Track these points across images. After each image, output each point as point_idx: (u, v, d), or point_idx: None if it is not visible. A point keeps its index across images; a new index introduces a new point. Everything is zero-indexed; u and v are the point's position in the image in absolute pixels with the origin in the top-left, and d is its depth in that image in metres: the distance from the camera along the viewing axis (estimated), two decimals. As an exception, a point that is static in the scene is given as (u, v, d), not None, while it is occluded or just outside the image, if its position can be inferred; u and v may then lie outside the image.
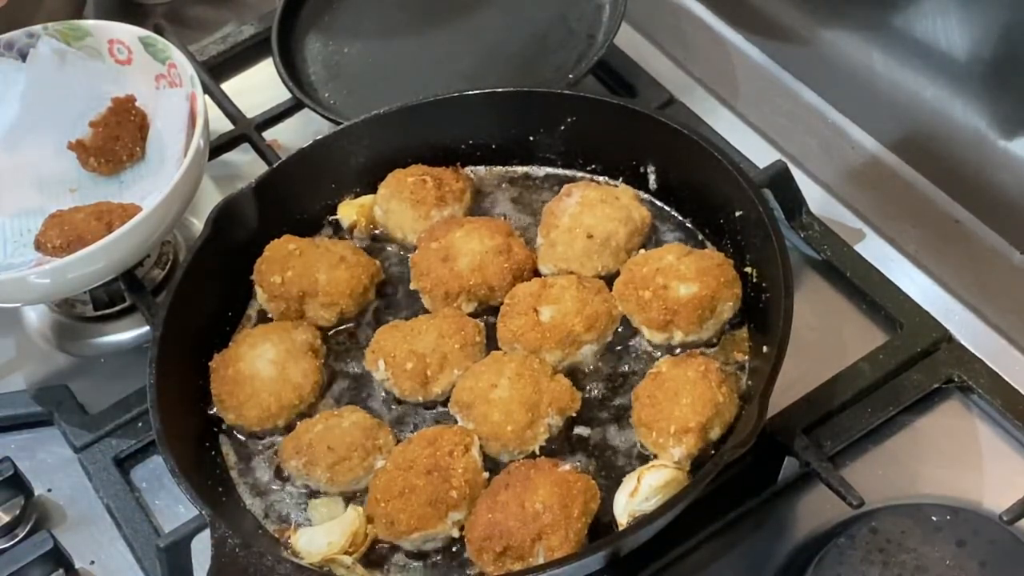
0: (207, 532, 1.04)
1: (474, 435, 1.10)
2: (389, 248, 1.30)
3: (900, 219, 1.31)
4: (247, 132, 1.48)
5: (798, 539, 1.11)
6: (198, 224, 1.38)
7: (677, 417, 1.06)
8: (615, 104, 1.28)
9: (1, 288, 1.22)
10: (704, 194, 1.22)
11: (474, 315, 1.20)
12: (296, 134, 1.49)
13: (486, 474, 1.09)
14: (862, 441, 1.15)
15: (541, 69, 1.44)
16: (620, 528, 1.04)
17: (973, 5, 1.14)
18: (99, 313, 1.38)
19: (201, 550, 1.08)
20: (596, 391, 1.15)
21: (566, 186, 1.26)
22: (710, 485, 1.02)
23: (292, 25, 1.54)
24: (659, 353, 1.16)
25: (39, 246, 1.29)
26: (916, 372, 1.18)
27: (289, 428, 1.16)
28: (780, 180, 1.27)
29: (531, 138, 1.31)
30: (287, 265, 1.23)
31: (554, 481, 1.04)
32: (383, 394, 1.19)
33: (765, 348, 1.10)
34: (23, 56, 1.39)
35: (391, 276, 1.27)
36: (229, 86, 1.55)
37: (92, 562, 1.19)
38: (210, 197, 1.40)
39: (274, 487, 1.14)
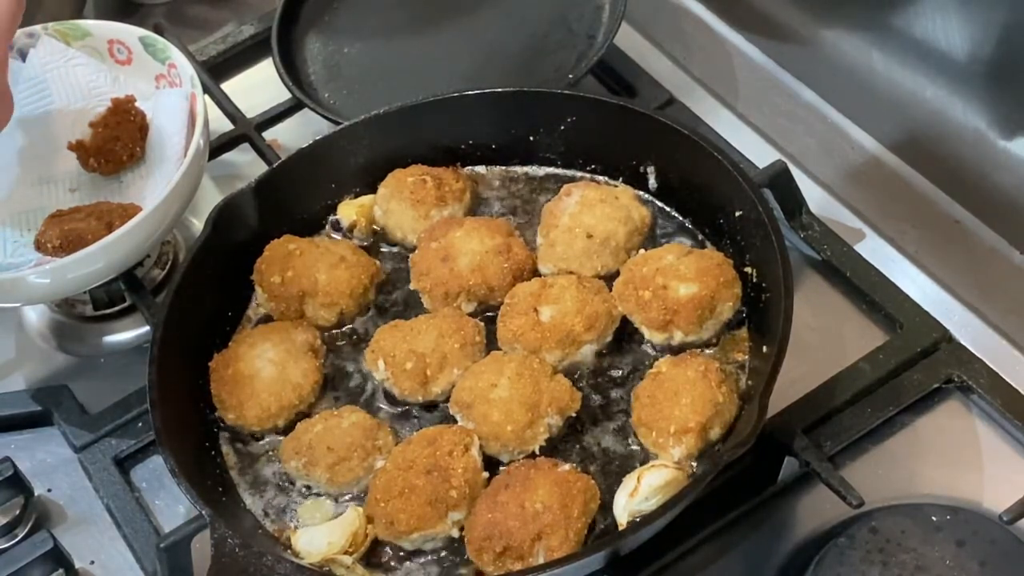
0: (207, 532, 1.04)
1: (474, 435, 1.10)
2: (389, 248, 1.30)
3: (900, 219, 1.31)
4: (247, 132, 1.48)
5: (798, 539, 1.11)
6: (198, 224, 1.38)
7: (677, 417, 1.06)
8: (615, 104, 1.28)
9: (1, 288, 1.22)
10: (704, 194, 1.22)
11: (474, 315, 1.20)
12: (296, 134, 1.49)
13: (486, 474, 1.09)
14: (862, 441, 1.15)
15: (541, 69, 1.44)
16: (620, 528, 1.04)
17: (973, 5, 1.14)
18: (99, 313, 1.38)
19: (201, 550, 1.08)
20: (596, 391, 1.15)
21: (566, 186, 1.26)
22: (710, 485, 1.02)
23: (292, 25, 1.54)
24: (659, 353, 1.16)
25: (39, 246, 1.29)
26: (916, 372, 1.18)
27: (289, 428, 1.16)
28: (780, 180, 1.27)
29: (531, 138, 1.31)
30: (287, 265, 1.23)
31: (554, 481, 1.04)
32: (383, 394, 1.19)
33: (765, 348, 1.10)
34: (23, 56, 1.39)
35: (391, 276, 1.27)
36: (229, 86, 1.55)
37: (92, 562, 1.19)
38: (210, 197, 1.40)
39: (274, 487, 1.14)
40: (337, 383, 1.21)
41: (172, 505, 1.21)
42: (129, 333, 1.37)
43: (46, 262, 1.25)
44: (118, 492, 1.21)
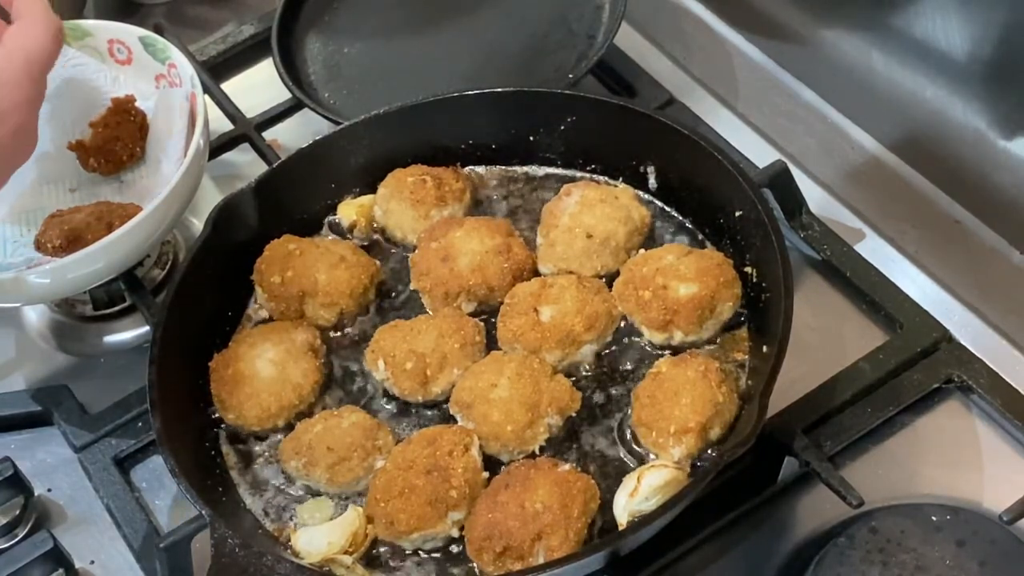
0: (207, 532, 1.04)
1: (474, 435, 1.10)
2: (389, 248, 1.30)
3: (900, 219, 1.31)
4: (247, 132, 1.48)
5: (798, 539, 1.11)
6: (198, 224, 1.38)
7: (677, 417, 1.06)
8: (615, 104, 1.28)
9: (1, 288, 1.22)
10: (704, 194, 1.22)
11: (474, 315, 1.20)
12: (296, 134, 1.49)
13: (486, 474, 1.09)
14: (862, 441, 1.15)
15: (541, 69, 1.44)
16: (620, 528, 1.04)
17: (973, 5, 1.14)
18: (99, 313, 1.38)
19: (201, 550, 1.08)
20: (596, 391, 1.15)
21: (566, 186, 1.26)
22: (710, 485, 1.02)
23: (292, 25, 1.54)
24: (659, 353, 1.16)
25: (39, 246, 1.29)
26: (916, 372, 1.18)
27: (289, 428, 1.16)
28: (780, 180, 1.27)
29: (531, 138, 1.31)
30: (287, 265, 1.23)
31: (554, 481, 1.04)
32: (383, 394, 1.19)
33: (765, 348, 1.10)
34: (23, 56, 1.39)
35: (391, 276, 1.27)
36: (229, 86, 1.55)
37: (92, 562, 1.19)
38: (210, 197, 1.40)
39: (274, 487, 1.14)
40: (337, 383, 1.21)
41: (172, 505, 1.21)
42: (129, 333, 1.37)
43: (46, 262, 1.25)
44: (118, 492, 1.21)
